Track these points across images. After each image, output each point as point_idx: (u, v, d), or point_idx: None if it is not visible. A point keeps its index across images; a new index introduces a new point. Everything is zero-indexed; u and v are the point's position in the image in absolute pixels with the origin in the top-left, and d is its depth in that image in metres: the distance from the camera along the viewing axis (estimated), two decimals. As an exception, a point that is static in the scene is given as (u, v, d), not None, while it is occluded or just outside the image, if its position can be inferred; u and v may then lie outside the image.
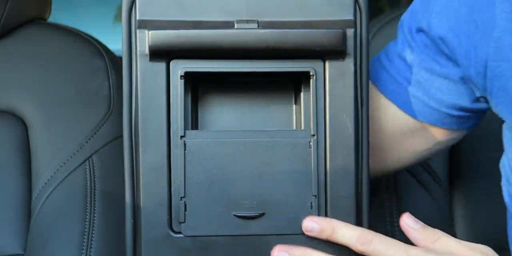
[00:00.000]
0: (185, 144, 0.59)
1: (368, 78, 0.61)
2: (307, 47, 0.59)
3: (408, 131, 0.70)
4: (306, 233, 0.58)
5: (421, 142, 0.71)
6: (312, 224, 0.58)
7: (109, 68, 0.83)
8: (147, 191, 0.59)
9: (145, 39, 0.59)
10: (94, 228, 0.75)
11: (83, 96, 0.81)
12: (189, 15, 0.59)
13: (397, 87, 0.68)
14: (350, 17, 0.60)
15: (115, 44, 0.83)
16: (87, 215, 0.76)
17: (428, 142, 0.71)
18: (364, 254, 0.56)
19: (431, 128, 0.69)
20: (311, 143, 0.60)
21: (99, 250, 0.75)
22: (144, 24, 0.59)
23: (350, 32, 0.60)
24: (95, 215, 0.76)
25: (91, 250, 0.74)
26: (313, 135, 0.60)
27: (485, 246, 0.56)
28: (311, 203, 0.59)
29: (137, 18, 0.59)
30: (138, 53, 0.59)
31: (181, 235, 0.59)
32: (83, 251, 0.74)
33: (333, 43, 0.59)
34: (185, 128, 0.59)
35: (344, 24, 0.60)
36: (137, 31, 0.59)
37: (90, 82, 0.82)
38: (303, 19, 0.60)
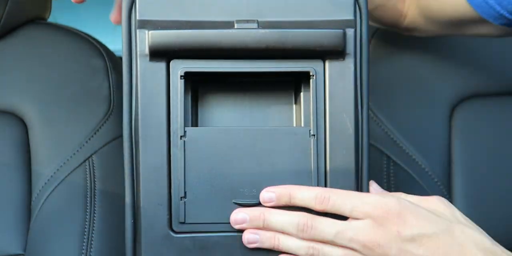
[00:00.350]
0: (185, 132, 0.59)
1: (368, 78, 0.61)
2: (307, 47, 0.59)
3: (469, 22, 0.73)
4: (264, 204, 0.59)
5: (477, 30, 0.75)
6: (269, 194, 0.59)
7: (109, 68, 0.83)
8: (147, 191, 0.59)
9: (145, 39, 0.59)
10: (94, 228, 0.75)
11: (83, 96, 0.81)
12: (189, 15, 0.59)
13: None
14: (350, 17, 0.60)
15: (115, 44, 0.83)
16: (87, 215, 0.76)
17: (486, 30, 0.74)
18: (325, 212, 0.57)
19: (494, 25, 0.71)
20: (311, 131, 0.60)
21: (99, 250, 0.75)
22: (144, 24, 0.59)
23: (350, 32, 0.60)
24: (95, 215, 0.76)
25: (91, 250, 0.74)
26: (313, 135, 0.60)
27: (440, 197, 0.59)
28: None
29: (137, 18, 0.59)
30: (138, 53, 0.59)
31: (181, 235, 0.59)
32: (83, 251, 0.74)
33: (333, 43, 0.59)
34: (185, 126, 0.60)
35: (344, 24, 0.60)
36: (137, 31, 0.59)
37: (90, 82, 0.82)
38: (303, 19, 0.60)
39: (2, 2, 0.82)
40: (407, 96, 0.88)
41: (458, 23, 0.74)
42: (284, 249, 0.58)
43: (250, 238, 0.58)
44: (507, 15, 0.68)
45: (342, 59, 0.60)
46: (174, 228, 0.59)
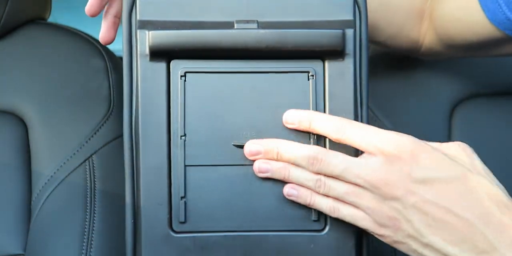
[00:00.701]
0: (185, 75, 0.60)
1: (367, 78, 0.61)
2: (307, 47, 0.59)
3: (493, 42, 0.72)
4: (286, 125, 0.60)
5: (501, 50, 0.74)
6: (292, 117, 0.59)
7: (109, 68, 0.83)
8: (147, 191, 0.59)
9: (146, 39, 0.59)
10: (94, 228, 0.75)
11: (83, 96, 0.81)
12: (189, 15, 0.60)
13: (496, 7, 0.68)
14: (349, 17, 0.60)
15: (115, 44, 0.83)
16: (87, 215, 0.76)
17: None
18: (339, 142, 0.58)
19: None
20: (310, 74, 0.60)
21: (99, 250, 0.75)
22: (145, 25, 0.59)
23: (349, 32, 0.60)
24: (95, 215, 0.76)
25: (91, 250, 0.74)
26: (313, 135, 0.60)
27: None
28: (310, 134, 0.60)
29: (138, 18, 0.59)
30: (138, 53, 0.59)
31: (181, 235, 0.59)
32: (83, 251, 0.74)
33: (333, 43, 0.59)
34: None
35: (344, 24, 0.60)
36: (138, 31, 0.59)
37: (90, 82, 0.82)
38: (303, 20, 0.60)
39: (2, 2, 0.82)
40: (406, 96, 0.88)
41: (481, 45, 0.74)
42: (293, 180, 0.58)
43: (262, 167, 0.59)
44: None
45: (341, 59, 0.60)
46: (174, 228, 0.59)
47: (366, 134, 0.56)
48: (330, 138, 0.58)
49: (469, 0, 0.71)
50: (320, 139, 0.60)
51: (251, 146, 0.59)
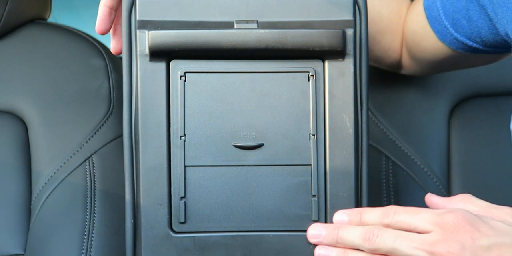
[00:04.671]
0: (185, 75, 0.59)
1: (367, 78, 0.61)
2: (307, 47, 0.59)
3: (455, 59, 0.75)
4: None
5: (469, 62, 0.77)
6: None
7: (109, 68, 0.83)
8: (147, 191, 0.59)
9: (145, 39, 0.59)
10: (94, 228, 0.75)
11: (83, 96, 0.81)
12: (189, 15, 0.60)
13: (443, 29, 0.71)
14: (349, 17, 0.60)
15: (115, 44, 0.83)
16: (87, 215, 0.76)
17: (476, 61, 0.77)
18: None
19: (474, 55, 0.73)
20: (310, 74, 0.60)
21: (99, 250, 0.75)
22: (144, 25, 0.59)
23: (349, 32, 0.60)
24: (95, 215, 0.76)
25: (91, 250, 0.74)
26: (313, 135, 0.60)
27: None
28: (310, 134, 0.60)
29: (137, 18, 0.59)
30: (138, 53, 0.59)
31: (181, 235, 0.59)
32: (83, 251, 0.74)
33: (333, 43, 0.59)
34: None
35: (344, 24, 0.60)
36: (137, 31, 0.59)
37: (90, 82, 0.82)
38: (303, 19, 0.60)
39: (2, 2, 0.82)
40: (406, 97, 0.88)
41: (447, 63, 0.76)
42: None
43: (321, 254, 0.58)
44: (468, 42, 0.70)
45: (341, 59, 0.60)
46: (174, 228, 0.59)
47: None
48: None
49: (422, 25, 0.73)
50: (320, 140, 0.60)
51: (313, 230, 0.59)
